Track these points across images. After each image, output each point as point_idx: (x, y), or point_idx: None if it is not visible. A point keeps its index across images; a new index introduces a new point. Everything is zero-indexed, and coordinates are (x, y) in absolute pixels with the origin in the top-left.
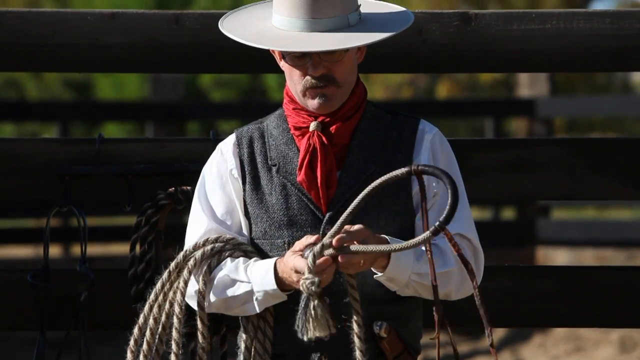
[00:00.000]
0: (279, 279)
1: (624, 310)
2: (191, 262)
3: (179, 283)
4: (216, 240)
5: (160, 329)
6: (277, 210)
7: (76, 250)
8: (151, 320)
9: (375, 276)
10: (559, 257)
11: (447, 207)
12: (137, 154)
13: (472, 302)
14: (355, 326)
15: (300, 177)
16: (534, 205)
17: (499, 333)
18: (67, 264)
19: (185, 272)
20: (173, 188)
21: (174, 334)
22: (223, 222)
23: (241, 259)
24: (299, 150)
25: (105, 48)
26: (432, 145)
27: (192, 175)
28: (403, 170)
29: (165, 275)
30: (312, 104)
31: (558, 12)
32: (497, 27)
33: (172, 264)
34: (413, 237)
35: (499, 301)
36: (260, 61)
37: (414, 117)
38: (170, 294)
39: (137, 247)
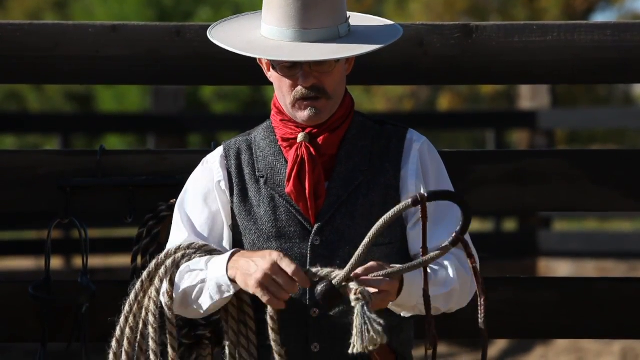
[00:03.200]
0: (230, 266)
1: (626, 321)
2: (162, 270)
3: (151, 292)
4: (188, 247)
5: (139, 338)
6: (265, 222)
7: (77, 261)
8: (127, 331)
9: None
10: (561, 268)
11: (462, 218)
12: (138, 166)
13: (473, 313)
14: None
15: (288, 188)
16: (536, 217)
17: (501, 344)
18: (69, 276)
19: (156, 281)
20: (174, 200)
21: (151, 343)
22: (201, 235)
23: (208, 256)
24: (286, 162)
25: (107, 60)
26: (421, 154)
27: None
28: (409, 201)
29: (138, 285)
30: (302, 115)
31: (559, 24)
32: (498, 39)
33: (145, 273)
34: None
35: (500, 312)
36: (261, 73)
37: (402, 126)
38: (145, 302)
39: (139, 259)
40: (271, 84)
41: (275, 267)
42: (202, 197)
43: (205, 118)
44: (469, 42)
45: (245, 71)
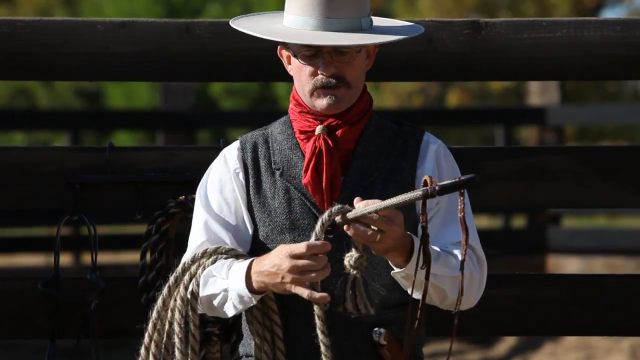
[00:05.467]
0: (249, 278)
1: (635, 318)
2: (186, 278)
3: (176, 301)
4: (215, 251)
5: (165, 339)
6: (279, 214)
7: (87, 258)
8: (156, 336)
9: (392, 272)
10: (570, 265)
11: (453, 180)
12: (147, 163)
13: (482, 310)
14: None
15: (305, 179)
16: (545, 214)
17: (510, 341)
18: (78, 273)
19: (181, 289)
20: (183, 196)
21: (177, 353)
22: (224, 226)
23: (231, 259)
24: (303, 155)
25: (116, 56)
26: (437, 155)
27: None
28: (419, 192)
29: (165, 290)
30: (321, 103)
31: (568, 20)
32: (507, 36)
33: (171, 278)
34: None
35: (509, 309)
36: (270, 70)
37: (418, 128)
38: (171, 304)
39: (148, 256)
40: (284, 79)
41: (293, 259)
42: (220, 188)
43: (214, 114)
44: (478, 39)
45: (254, 67)
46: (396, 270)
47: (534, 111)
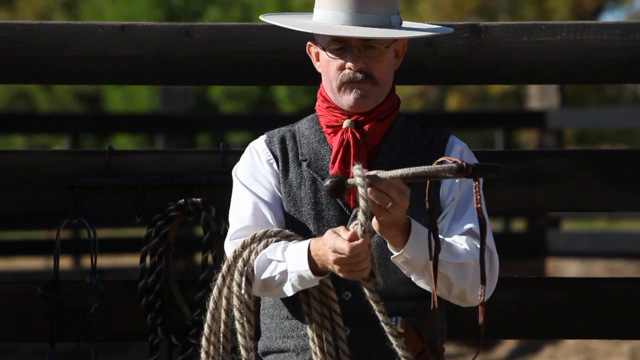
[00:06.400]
0: (312, 260)
1: (635, 321)
2: (240, 264)
3: (232, 288)
4: (264, 235)
5: (223, 328)
6: (305, 204)
7: (86, 261)
8: (215, 327)
9: (392, 257)
10: (570, 268)
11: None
12: (147, 166)
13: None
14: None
15: (333, 170)
16: (545, 217)
17: (510, 345)
18: (78, 276)
19: (236, 275)
20: (183, 200)
21: (240, 339)
22: (268, 207)
23: (283, 241)
24: (330, 149)
25: (116, 60)
26: (462, 155)
27: (202, 187)
28: (453, 165)
29: (219, 279)
30: (348, 99)
31: (568, 23)
32: (507, 39)
33: (224, 267)
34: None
35: (509, 313)
36: (270, 73)
37: (444, 131)
38: (225, 292)
39: (147, 259)
40: (279, 83)
41: (336, 254)
42: (256, 176)
43: (214, 118)
44: (477, 42)
45: (254, 71)
46: (395, 254)
47: (533, 115)
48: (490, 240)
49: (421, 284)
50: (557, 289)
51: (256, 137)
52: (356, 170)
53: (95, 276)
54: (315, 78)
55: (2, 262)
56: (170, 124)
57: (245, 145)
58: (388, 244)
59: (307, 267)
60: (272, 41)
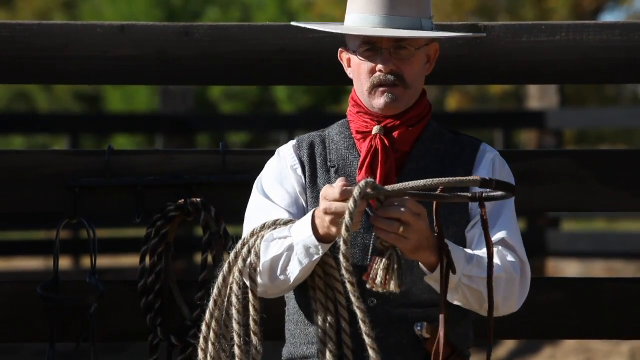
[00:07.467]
0: (315, 227)
1: (635, 321)
2: (245, 251)
3: (234, 274)
4: (274, 223)
5: (225, 316)
6: None
7: (86, 262)
8: (217, 313)
9: (425, 277)
10: (569, 268)
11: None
12: (146, 166)
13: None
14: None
15: (360, 177)
16: (544, 217)
17: (509, 345)
18: (77, 276)
19: (240, 262)
20: (183, 200)
21: (234, 325)
22: (284, 212)
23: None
24: (359, 155)
25: (115, 60)
26: (494, 163)
27: (202, 187)
28: (477, 178)
29: (225, 267)
30: (379, 102)
31: (568, 24)
32: (506, 39)
33: (232, 255)
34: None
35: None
36: (269, 73)
37: (476, 138)
38: (229, 284)
39: (147, 259)
40: (279, 84)
41: (326, 200)
42: (280, 181)
43: (213, 118)
44: (477, 42)
45: (254, 71)
46: (429, 274)
47: (533, 115)
48: (522, 251)
49: (455, 301)
50: (557, 289)
51: (256, 137)
52: (361, 183)
53: (95, 276)
54: (315, 78)
55: (2, 262)
56: (169, 124)
57: (245, 145)
58: (420, 264)
59: (310, 232)
60: (271, 41)
